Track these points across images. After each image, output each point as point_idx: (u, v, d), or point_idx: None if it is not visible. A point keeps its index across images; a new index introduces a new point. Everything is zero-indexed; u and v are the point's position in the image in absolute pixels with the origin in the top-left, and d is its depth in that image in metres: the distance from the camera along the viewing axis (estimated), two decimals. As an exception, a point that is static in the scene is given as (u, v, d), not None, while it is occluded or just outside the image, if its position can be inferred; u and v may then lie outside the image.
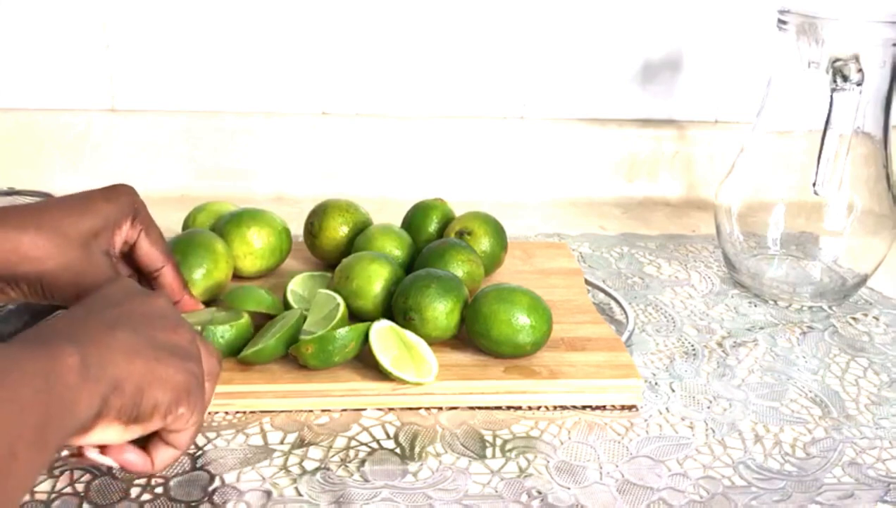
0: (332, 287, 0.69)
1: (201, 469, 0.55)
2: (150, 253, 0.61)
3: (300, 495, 0.53)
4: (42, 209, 0.55)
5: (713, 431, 0.62)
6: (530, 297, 0.66)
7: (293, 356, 0.62)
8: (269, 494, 0.53)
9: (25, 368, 0.37)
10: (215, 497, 0.53)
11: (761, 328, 0.77)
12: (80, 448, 0.45)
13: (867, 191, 0.79)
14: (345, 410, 0.62)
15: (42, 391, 0.36)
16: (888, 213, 0.79)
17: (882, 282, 0.85)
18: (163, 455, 0.49)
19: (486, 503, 0.54)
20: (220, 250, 0.72)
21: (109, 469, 0.54)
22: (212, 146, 1.04)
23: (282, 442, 0.58)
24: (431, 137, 1.06)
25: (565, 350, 0.67)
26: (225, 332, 0.63)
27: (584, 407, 0.63)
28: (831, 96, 0.72)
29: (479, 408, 0.63)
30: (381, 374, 0.62)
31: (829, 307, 0.82)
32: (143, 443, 0.48)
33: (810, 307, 0.81)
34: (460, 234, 0.78)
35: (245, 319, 0.64)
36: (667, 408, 0.64)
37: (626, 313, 0.76)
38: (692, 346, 0.73)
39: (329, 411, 0.62)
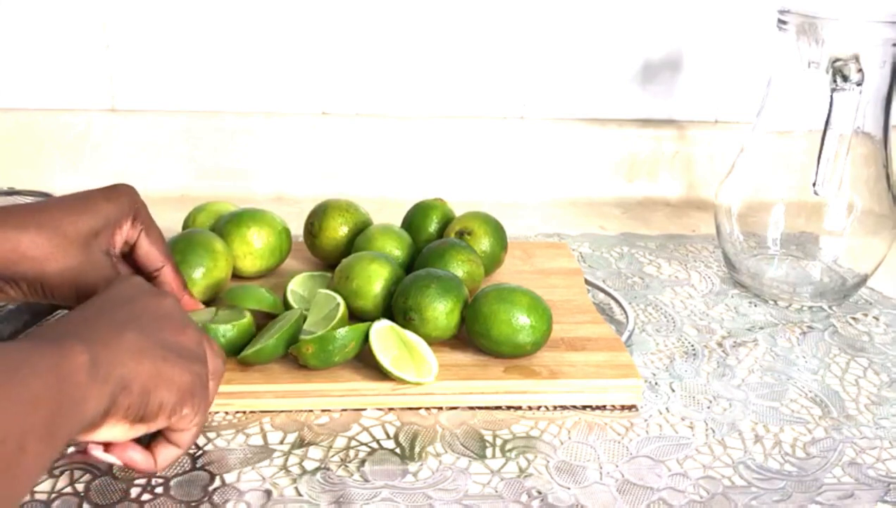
0: (332, 287, 0.69)
1: (201, 469, 0.55)
2: (150, 253, 0.61)
3: (300, 495, 0.53)
4: (42, 209, 0.55)
5: (713, 431, 0.62)
6: (530, 297, 0.66)
7: (293, 356, 0.62)
8: (269, 494, 0.53)
9: (36, 365, 0.37)
10: (215, 497, 0.53)
11: (761, 328, 0.77)
12: (85, 445, 0.46)
13: (867, 191, 0.79)
14: (345, 410, 0.62)
15: (52, 388, 0.37)
16: (888, 213, 0.79)
17: (882, 282, 0.85)
18: (165, 454, 0.49)
19: (486, 503, 0.54)
20: (219, 249, 0.72)
21: (110, 468, 0.54)
22: (212, 146, 1.04)
23: (282, 442, 0.58)
24: (431, 137, 1.06)
25: (565, 350, 0.67)
26: (227, 331, 0.63)
27: (584, 407, 0.63)
28: (831, 96, 0.72)
29: (479, 408, 0.63)
30: (381, 374, 0.62)
31: (829, 307, 0.82)
32: (146, 441, 0.49)
33: (810, 307, 0.81)
34: (460, 234, 0.78)
35: (247, 318, 0.64)
36: (667, 408, 0.64)
37: (626, 313, 0.76)
38: (692, 346, 0.73)
39: (329, 411, 0.62)
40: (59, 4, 0.98)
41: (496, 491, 0.55)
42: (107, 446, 0.47)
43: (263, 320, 0.67)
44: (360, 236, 0.77)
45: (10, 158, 1.01)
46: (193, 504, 0.52)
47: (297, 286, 0.72)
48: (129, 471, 0.54)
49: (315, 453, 0.57)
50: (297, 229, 0.83)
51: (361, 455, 0.57)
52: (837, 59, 0.72)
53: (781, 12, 0.77)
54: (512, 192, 1.08)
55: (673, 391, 0.67)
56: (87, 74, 1.01)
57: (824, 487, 0.57)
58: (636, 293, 0.83)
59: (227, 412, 0.61)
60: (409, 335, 0.64)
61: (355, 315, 0.69)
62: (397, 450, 0.58)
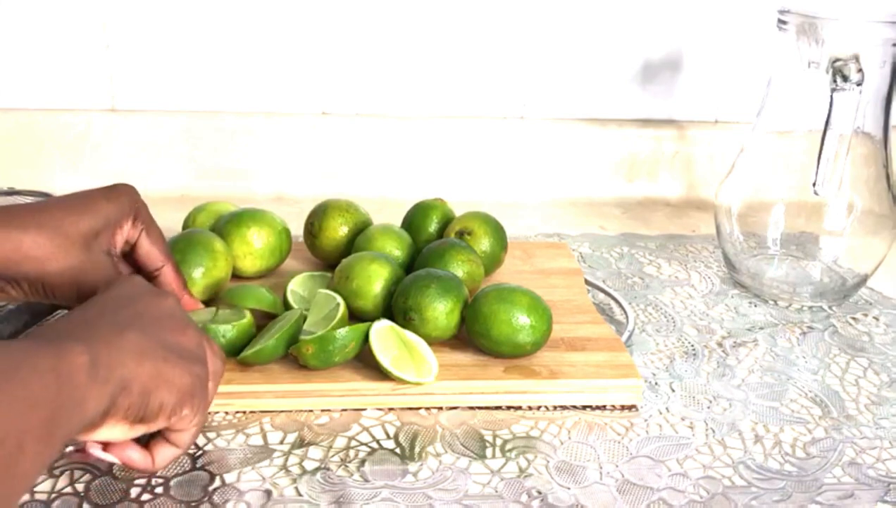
0: (332, 287, 0.69)
1: (201, 469, 0.55)
2: (150, 252, 0.61)
3: (300, 495, 0.53)
4: (43, 209, 0.55)
5: (713, 431, 0.62)
6: (530, 297, 0.66)
7: (293, 356, 0.62)
8: (269, 494, 0.53)
9: (36, 365, 0.37)
10: (215, 497, 0.53)
11: (761, 328, 0.77)
12: (84, 445, 0.46)
13: (867, 191, 0.79)
14: (345, 410, 0.62)
15: (51, 389, 0.37)
16: (888, 213, 0.79)
17: (882, 282, 0.85)
18: (164, 454, 0.50)
19: (486, 503, 0.54)
20: (218, 248, 0.72)
21: (110, 468, 0.54)
22: (212, 146, 1.04)
23: (282, 442, 0.58)
24: (431, 137, 1.06)
25: (565, 350, 0.67)
26: (227, 331, 0.63)
27: (584, 407, 0.63)
28: (831, 96, 0.72)
29: (479, 408, 0.63)
30: (381, 374, 0.62)
31: (829, 307, 0.82)
32: (145, 441, 0.49)
33: (810, 307, 0.81)
34: (460, 234, 0.78)
35: (247, 318, 0.64)
36: (667, 408, 0.64)
37: (626, 313, 0.76)
38: (692, 346, 0.73)
39: (329, 411, 0.62)
40: (59, 4, 0.98)
41: (496, 491, 0.55)
42: (105, 445, 0.47)
43: (263, 320, 0.67)
44: (360, 236, 0.77)
45: (10, 158, 1.01)
46: (193, 504, 0.52)
47: (297, 286, 0.72)
48: (129, 471, 0.54)
49: (315, 453, 0.57)
50: (297, 229, 0.83)
51: (361, 454, 0.57)
52: (837, 59, 0.72)
53: (781, 12, 0.77)
54: (512, 192, 1.08)
55: (673, 391, 0.67)
56: (87, 74, 1.01)
57: (824, 487, 0.57)
58: (636, 293, 0.83)
59: (227, 412, 0.61)
60: (409, 335, 0.64)
61: (355, 315, 0.69)
62: (397, 450, 0.58)
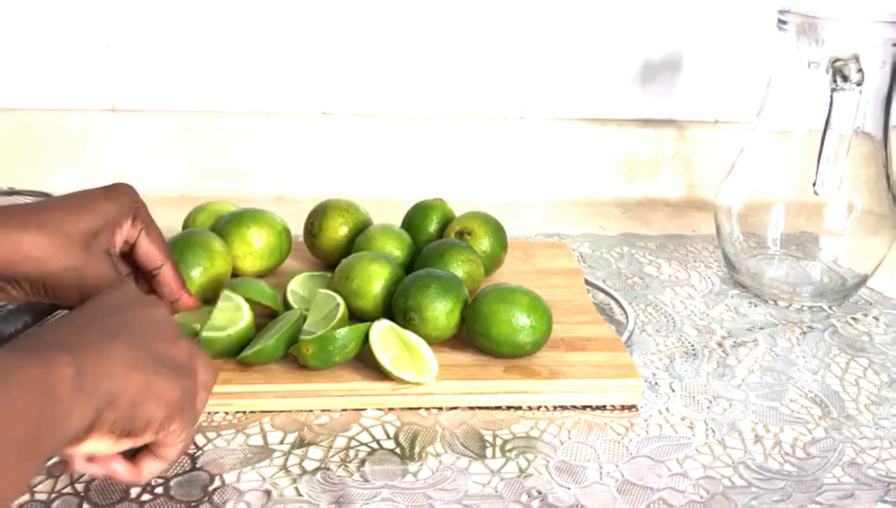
0: (332, 287, 0.69)
1: (201, 469, 0.55)
2: (149, 252, 0.61)
3: (300, 495, 0.53)
4: (43, 209, 0.55)
5: (713, 431, 0.62)
6: (530, 297, 0.66)
7: (293, 356, 0.62)
8: (269, 494, 0.53)
9: (18, 378, 0.36)
10: (215, 497, 0.53)
11: (761, 328, 0.77)
12: (68, 457, 0.45)
13: (867, 191, 0.79)
14: (345, 410, 0.62)
15: (34, 403, 0.36)
16: (888, 213, 0.79)
17: (882, 282, 0.85)
18: (150, 468, 0.48)
19: (486, 503, 0.54)
20: (217, 248, 0.72)
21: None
22: (212, 146, 1.04)
23: (282, 442, 0.58)
24: (431, 137, 1.06)
25: (565, 350, 0.67)
26: (229, 333, 0.63)
27: (584, 407, 0.63)
28: (831, 96, 0.72)
29: (479, 408, 0.63)
30: (381, 374, 0.62)
31: (829, 307, 0.82)
32: (131, 453, 0.47)
33: (810, 307, 0.81)
34: (460, 234, 0.78)
35: (247, 320, 0.64)
36: (667, 408, 0.64)
37: (626, 313, 0.76)
38: (692, 346, 0.73)
39: (329, 411, 0.62)
40: (59, 4, 0.98)
41: (496, 491, 0.55)
42: (91, 458, 0.45)
43: (263, 318, 0.67)
44: (360, 236, 0.77)
45: (10, 158, 1.01)
46: (193, 504, 0.52)
47: (297, 286, 0.72)
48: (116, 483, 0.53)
49: (315, 453, 0.57)
50: (297, 229, 0.83)
51: (361, 454, 0.57)
52: (837, 59, 0.72)
53: (781, 12, 0.77)
54: (512, 192, 1.08)
55: (673, 391, 0.67)
56: (87, 74, 1.01)
57: (824, 487, 0.57)
58: (636, 293, 0.83)
59: (227, 413, 0.61)
60: (409, 335, 0.64)
61: (355, 315, 0.68)
62: (397, 450, 0.58)
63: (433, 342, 0.65)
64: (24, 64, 1.00)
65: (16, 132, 1.01)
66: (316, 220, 0.80)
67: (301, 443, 0.58)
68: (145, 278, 0.63)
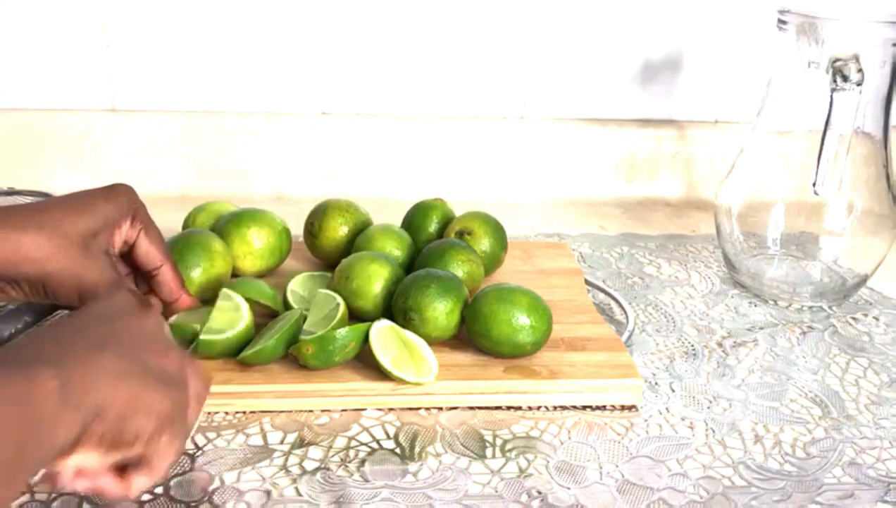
0: (332, 287, 0.69)
1: (201, 469, 0.55)
2: (149, 252, 0.61)
3: (300, 495, 0.53)
4: (42, 209, 0.55)
5: (713, 431, 0.62)
6: (530, 297, 0.66)
7: (293, 356, 0.62)
8: (269, 494, 0.53)
9: (1, 393, 0.35)
10: (215, 497, 0.53)
11: (761, 328, 0.77)
12: (55, 472, 0.43)
13: (867, 191, 0.79)
14: (345, 410, 0.62)
15: (16, 419, 0.35)
16: (888, 213, 0.79)
17: (882, 282, 0.85)
18: (139, 482, 0.45)
19: (486, 503, 0.54)
20: (216, 248, 0.72)
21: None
22: (212, 146, 1.04)
23: (282, 442, 0.58)
24: (431, 137, 1.06)
25: (565, 350, 0.67)
26: (230, 334, 0.63)
27: (584, 407, 0.63)
28: (831, 96, 0.72)
29: (479, 408, 0.63)
30: (381, 374, 0.62)
31: (829, 307, 0.82)
32: (119, 466, 0.45)
33: (810, 307, 0.81)
34: (460, 234, 0.78)
35: (247, 322, 0.64)
36: (667, 408, 0.64)
37: (626, 313, 0.76)
38: (692, 346, 0.73)
39: (329, 411, 0.62)
40: (59, 4, 0.98)
41: (496, 491, 0.55)
42: (79, 471, 0.43)
43: (263, 318, 0.67)
44: (360, 236, 0.77)
45: (10, 158, 1.01)
46: (193, 504, 0.52)
47: (297, 286, 0.72)
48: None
49: (315, 453, 0.57)
50: (297, 229, 0.83)
51: (361, 454, 0.57)
52: (837, 59, 0.72)
53: (781, 12, 0.77)
54: (512, 192, 1.08)
55: (673, 391, 0.67)
56: (87, 74, 1.01)
57: (824, 487, 0.57)
58: (636, 293, 0.83)
59: (227, 413, 0.61)
60: (409, 335, 0.64)
61: (355, 315, 0.68)
62: (397, 450, 0.58)
63: (433, 342, 0.65)
64: (24, 64, 1.00)
65: (16, 132, 1.01)
66: (316, 220, 0.80)
67: (301, 443, 0.58)
68: (144, 278, 0.63)
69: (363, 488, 0.54)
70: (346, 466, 0.56)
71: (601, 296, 0.80)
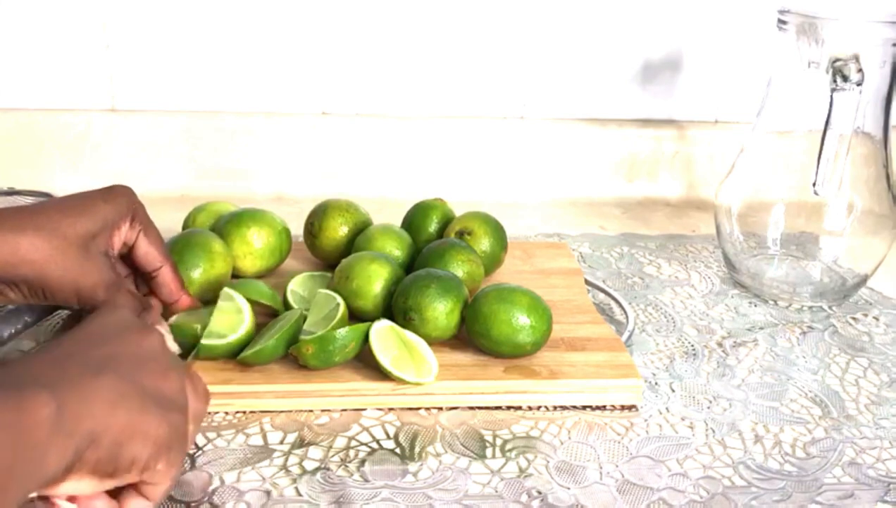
0: (332, 287, 0.69)
1: (201, 469, 0.55)
2: (148, 253, 0.61)
3: (300, 495, 0.53)
4: (40, 211, 0.55)
5: (713, 431, 0.62)
6: (530, 297, 0.66)
7: (293, 356, 0.62)
8: (269, 494, 0.53)
9: None
10: (215, 497, 0.53)
11: (761, 328, 0.77)
12: (48, 498, 0.41)
13: (867, 191, 0.79)
14: (345, 410, 0.62)
15: (7, 446, 0.34)
16: (888, 213, 0.79)
17: (882, 282, 0.85)
18: (134, 506, 0.44)
19: (486, 503, 0.54)
20: (216, 248, 0.72)
21: None
22: (212, 146, 1.04)
23: (282, 442, 0.58)
24: (431, 137, 1.06)
25: (565, 350, 0.67)
26: (232, 338, 0.62)
27: (584, 407, 0.63)
28: (831, 96, 0.72)
29: (479, 408, 0.63)
30: (381, 374, 0.62)
31: (829, 307, 0.82)
32: (114, 491, 0.44)
33: (810, 307, 0.81)
34: (460, 234, 0.78)
35: (249, 324, 0.64)
36: (667, 408, 0.64)
37: (626, 313, 0.76)
38: (692, 346, 0.73)
39: (329, 411, 0.62)
40: (59, 4, 0.98)
41: (496, 491, 0.55)
42: (72, 497, 0.42)
43: (263, 317, 0.67)
44: (360, 236, 0.77)
45: (10, 158, 1.01)
46: (193, 504, 0.52)
47: (297, 286, 0.72)
48: None
49: (315, 453, 0.57)
50: (297, 229, 0.83)
51: (361, 455, 0.57)
52: (837, 59, 0.72)
53: (781, 12, 0.77)
54: (512, 192, 1.08)
55: (673, 391, 0.67)
56: (87, 74, 1.01)
57: (824, 487, 0.57)
58: (636, 293, 0.83)
59: (227, 413, 0.61)
60: (409, 335, 0.64)
61: (355, 315, 0.68)
62: (397, 450, 0.58)
63: (433, 342, 0.65)
64: (24, 64, 1.00)
65: (16, 132, 1.01)
66: (316, 220, 0.80)
67: (301, 443, 0.58)
68: (144, 279, 0.63)
69: (363, 488, 0.54)
70: (346, 466, 0.56)
71: (601, 296, 0.80)
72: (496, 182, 1.07)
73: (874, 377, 0.70)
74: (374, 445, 0.59)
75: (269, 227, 0.77)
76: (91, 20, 0.99)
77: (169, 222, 0.73)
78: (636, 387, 0.64)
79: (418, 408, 0.62)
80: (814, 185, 0.74)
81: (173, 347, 0.58)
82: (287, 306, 0.70)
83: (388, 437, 0.59)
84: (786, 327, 0.77)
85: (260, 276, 0.77)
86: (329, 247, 0.79)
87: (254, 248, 0.76)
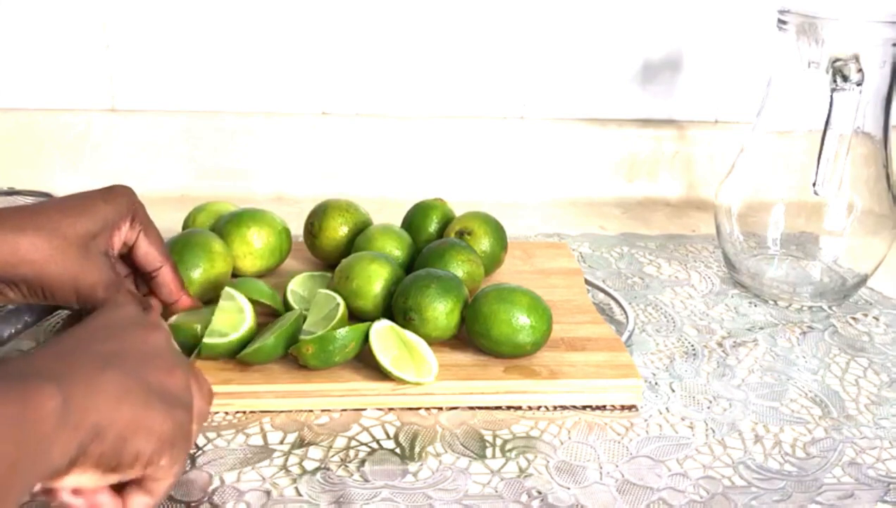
0: (332, 287, 0.69)
1: (201, 469, 0.55)
2: (148, 253, 0.61)
3: (300, 495, 0.53)
4: (40, 211, 0.55)
5: (713, 431, 0.62)
6: (530, 297, 0.66)
7: (293, 356, 0.62)
8: (269, 494, 0.53)
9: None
10: (215, 497, 0.53)
11: (761, 328, 0.77)
12: (51, 490, 0.41)
13: (867, 191, 0.79)
14: (345, 410, 0.62)
15: (12, 438, 0.34)
16: (888, 213, 0.79)
17: (882, 282, 0.85)
18: (137, 502, 0.44)
19: (486, 503, 0.54)
20: (216, 248, 0.72)
21: None
22: (212, 146, 1.04)
23: (282, 442, 0.58)
24: (431, 137, 1.06)
25: (565, 350, 0.67)
26: (233, 337, 0.62)
27: (584, 407, 0.63)
28: (831, 96, 0.72)
29: (479, 408, 0.63)
30: (381, 374, 0.62)
31: (829, 307, 0.82)
32: (117, 486, 0.44)
33: (810, 307, 0.81)
34: (460, 234, 0.78)
35: (250, 324, 0.64)
36: (667, 408, 0.64)
37: (626, 313, 0.76)
38: (692, 346, 0.73)
39: (329, 411, 0.62)
40: (59, 4, 0.98)
41: (496, 491, 0.55)
42: (75, 490, 0.42)
43: (264, 317, 0.67)
44: (360, 236, 0.77)
45: (10, 158, 1.01)
46: (193, 504, 0.52)
47: (297, 286, 0.72)
48: None
49: (315, 453, 0.57)
50: (297, 229, 0.83)
51: (361, 455, 0.57)
52: (837, 59, 0.72)
53: (781, 12, 0.77)
54: (512, 192, 1.08)
55: (673, 391, 0.67)
56: (87, 74, 1.01)
57: (824, 487, 0.57)
58: (636, 293, 0.83)
59: (227, 413, 0.61)
60: (409, 335, 0.64)
61: (355, 315, 0.68)
62: (397, 450, 0.58)
63: (433, 342, 0.65)
64: (24, 64, 1.00)
65: (16, 132, 1.01)
66: (316, 220, 0.80)
67: (301, 443, 0.58)
68: (144, 279, 0.63)
69: (363, 488, 0.54)
70: (346, 466, 0.56)
71: (601, 296, 0.80)
72: (496, 182, 1.07)
73: (874, 377, 0.70)
74: (374, 445, 0.59)
75: (269, 227, 0.77)
76: (91, 20, 0.99)
77: (169, 222, 0.73)
78: (636, 387, 0.64)
79: (418, 408, 0.62)
80: (814, 185, 0.74)
81: None
82: (287, 307, 0.70)
83: (388, 437, 0.59)
84: (786, 327, 0.77)
85: (260, 276, 0.77)
86: (329, 247, 0.79)
87: (254, 248, 0.76)
